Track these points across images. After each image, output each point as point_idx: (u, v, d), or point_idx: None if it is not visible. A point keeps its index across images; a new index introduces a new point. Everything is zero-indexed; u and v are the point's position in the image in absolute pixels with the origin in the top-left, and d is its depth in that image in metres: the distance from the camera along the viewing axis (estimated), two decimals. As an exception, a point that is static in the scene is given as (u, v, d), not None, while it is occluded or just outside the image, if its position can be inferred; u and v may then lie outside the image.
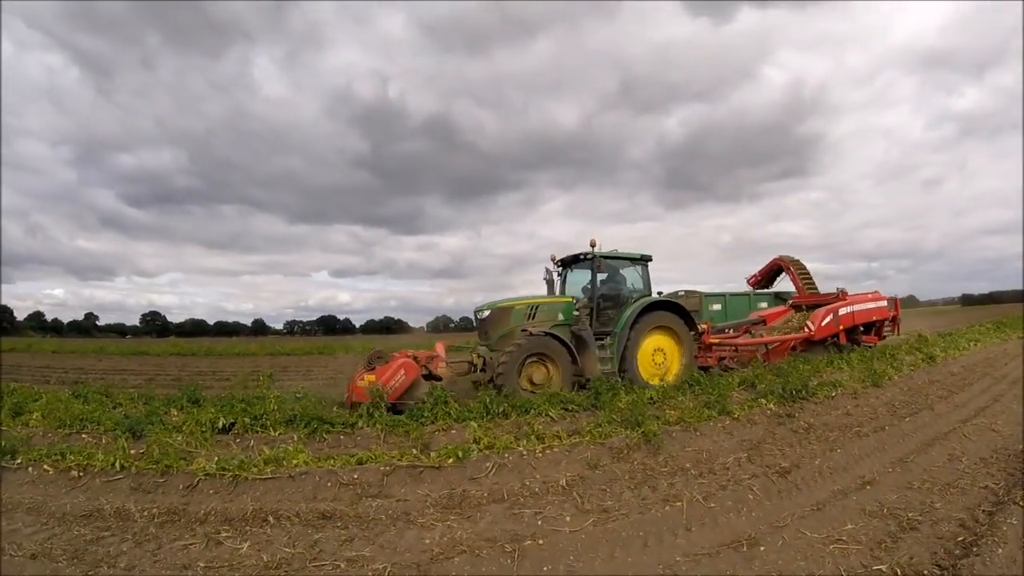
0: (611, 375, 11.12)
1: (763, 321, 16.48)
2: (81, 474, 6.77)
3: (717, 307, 22.85)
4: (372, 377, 9.54)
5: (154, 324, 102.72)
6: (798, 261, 22.42)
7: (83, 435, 7.90)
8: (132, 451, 7.10)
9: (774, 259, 23.35)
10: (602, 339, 11.78)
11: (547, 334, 11.14)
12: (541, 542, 5.24)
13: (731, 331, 16.17)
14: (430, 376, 10.66)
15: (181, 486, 6.44)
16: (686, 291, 25.18)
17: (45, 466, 6.93)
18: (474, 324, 12.58)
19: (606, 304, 12.30)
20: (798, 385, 9.53)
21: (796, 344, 14.65)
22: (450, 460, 6.75)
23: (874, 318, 16.58)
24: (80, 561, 5.20)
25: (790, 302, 18.13)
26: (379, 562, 4.99)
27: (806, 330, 14.67)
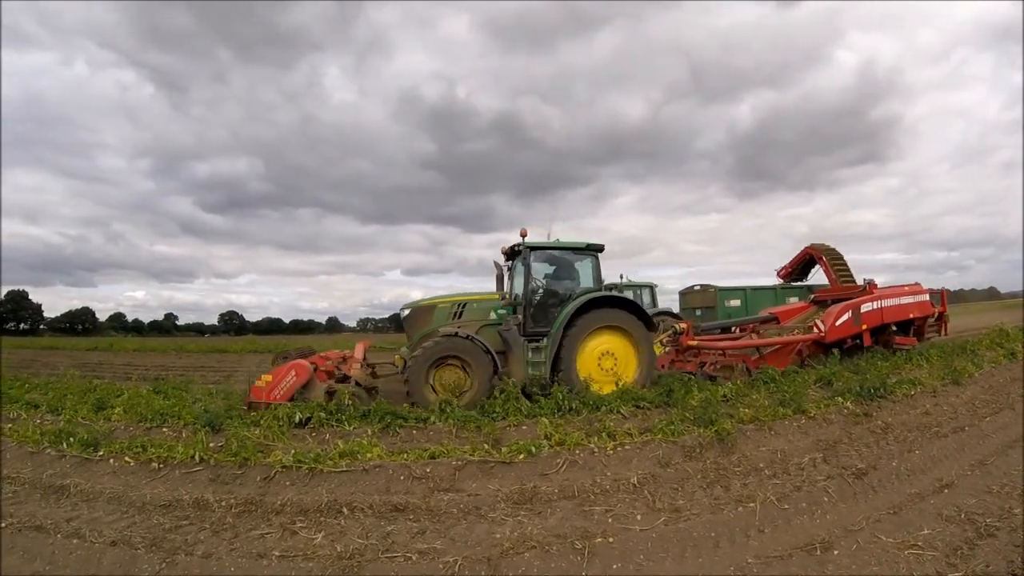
0: (541, 382, 10.13)
1: (775, 319, 14.00)
2: (161, 466, 6.99)
3: (735, 303, 22.06)
4: (268, 377, 9.53)
5: (232, 323, 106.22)
6: (833, 250, 20.93)
7: (164, 429, 8.14)
8: (211, 444, 7.30)
9: (805, 248, 21.67)
10: (539, 341, 10.62)
11: (460, 335, 10.42)
12: (611, 540, 5.21)
13: (736, 331, 14.17)
14: (344, 379, 10.39)
15: (258, 478, 6.59)
16: (701, 285, 24.22)
17: (127, 458, 7.19)
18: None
19: (550, 301, 11.09)
20: (876, 383, 9.19)
21: (803, 348, 12.51)
22: (521, 456, 6.75)
23: (911, 316, 13.73)
24: (159, 548, 5.37)
25: (812, 297, 15.58)
26: (450, 555, 5.03)
27: (816, 330, 12.36)
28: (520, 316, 10.89)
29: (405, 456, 6.86)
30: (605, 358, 10.60)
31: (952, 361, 11.80)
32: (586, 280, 11.42)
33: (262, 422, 7.94)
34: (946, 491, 6.38)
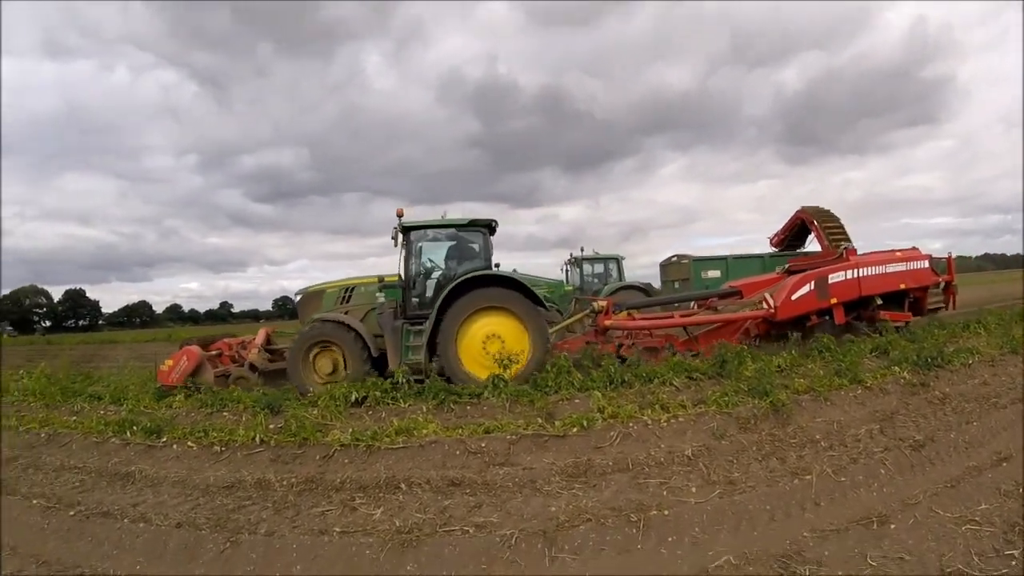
0: (417, 367, 9.66)
1: (739, 293, 12.05)
2: (223, 449, 7.16)
3: (715, 274, 20.28)
4: (170, 361, 10.10)
5: (285, 307, 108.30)
6: (827, 213, 19.72)
7: (224, 413, 8.32)
8: (271, 426, 7.44)
9: (796, 212, 20.49)
10: (422, 324, 10.09)
11: (332, 320, 10.35)
12: (666, 513, 5.23)
13: (694, 306, 12.96)
14: (244, 363, 10.82)
15: (318, 457, 6.72)
16: (677, 256, 22.77)
17: (189, 443, 7.37)
18: None
19: (433, 283, 10.65)
20: (933, 352, 8.92)
21: (751, 327, 11.12)
22: (575, 429, 6.73)
23: (903, 286, 11.53)
24: (223, 528, 5.57)
25: (786, 267, 12.99)
26: (506, 528, 5.13)
27: (765, 306, 10.77)
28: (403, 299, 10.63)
29: (460, 431, 6.91)
30: (491, 341, 9.90)
31: (1011, 329, 11.40)
32: (478, 259, 10.78)
33: (319, 402, 8.09)
34: (1004, 464, 6.26)
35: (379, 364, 10.13)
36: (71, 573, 5.23)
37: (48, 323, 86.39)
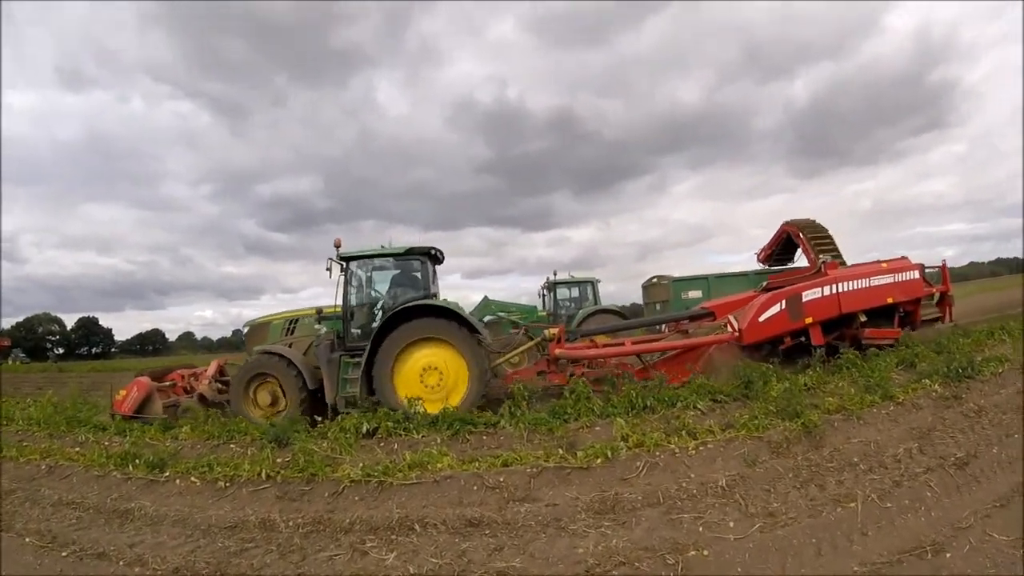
0: (353, 400, 9.60)
1: (711, 315, 10.97)
2: (228, 484, 6.87)
3: (696, 294, 19.30)
4: (124, 391, 10.66)
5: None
6: (815, 225, 18.69)
7: (231, 445, 8.05)
8: (278, 460, 7.17)
9: (782, 225, 19.45)
10: (360, 356, 9.90)
11: (268, 352, 10.33)
12: (706, 553, 4.88)
13: (664, 329, 12.37)
14: (194, 394, 11.03)
15: (326, 493, 6.43)
16: (657, 277, 21.79)
17: (192, 478, 7.09)
18: None
19: (370, 313, 10.61)
20: (963, 363, 8.51)
21: (713, 352, 10.08)
22: (598, 460, 6.38)
23: (890, 300, 10.55)
24: (223, 575, 5.29)
25: (764, 284, 12.04)
26: (530, 574, 4.80)
27: (729, 329, 10.02)
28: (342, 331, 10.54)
29: (477, 465, 6.59)
30: (428, 373, 9.73)
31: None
32: (418, 289, 10.66)
33: (329, 434, 7.81)
34: (1053, 479, 5.91)
35: (318, 396, 10.08)
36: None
37: (61, 350, 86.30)
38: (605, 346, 10.73)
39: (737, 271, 20.33)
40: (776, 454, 6.43)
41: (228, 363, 11.89)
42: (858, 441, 6.69)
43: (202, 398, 10.84)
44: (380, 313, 10.35)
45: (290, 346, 10.69)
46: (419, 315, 9.72)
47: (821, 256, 14.35)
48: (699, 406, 7.75)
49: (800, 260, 19.14)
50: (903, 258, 11.26)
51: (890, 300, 10.55)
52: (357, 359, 9.85)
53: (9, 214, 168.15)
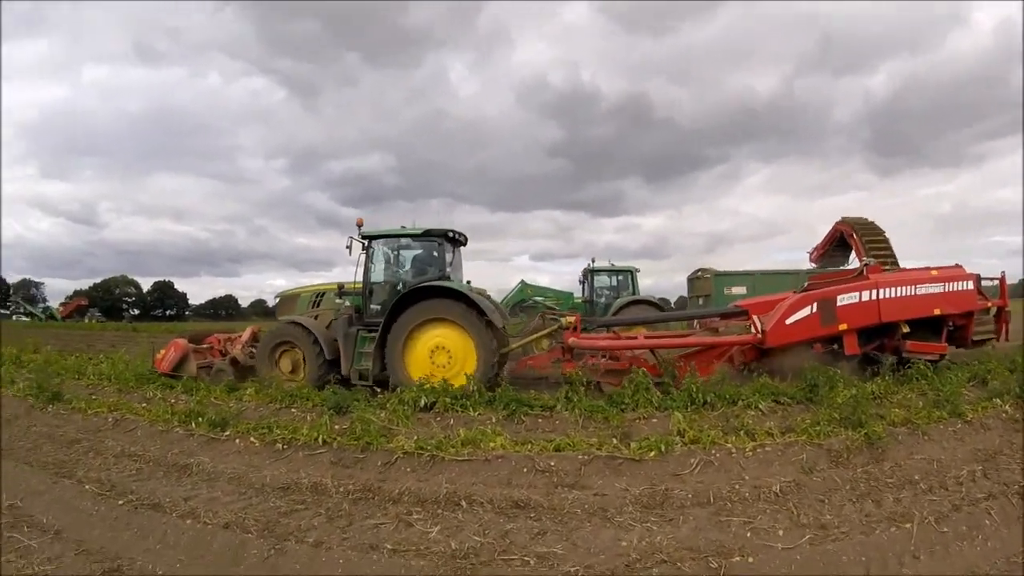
0: (365, 376, 10.15)
1: (745, 313, 10.06)
2: (285, 447, 7.08)
3: (739, 290, 18.37)
4: (164, 351, 11.29)
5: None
6: (870, 225, 18.07)
7: (292, 409, 8.31)
8: (336, 427, 7.34)
9: (836, 224, 18.83)
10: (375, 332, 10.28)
11: (292, 322, 11.00)
12: (750, 560, 4.72)
13: (696, 325, 11.83)
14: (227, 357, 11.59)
15: (379, 463, 6.55)
16: (701, 270, 21.08)
17: (252, 438, 7.33)
18: None
19: (387, 291, 10.84)
20: (1038, 382, 8.04)
21: (736, 354, 9.60)
22: (652, 453, 6.28)
23: (937, 311, 9.62)
24: (270, 534, 5.39)
25: (805, 284, 10.67)
26: (570, 562, 4.75)
27: (753, 330, 9.37)
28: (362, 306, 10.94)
29: (529, 447, 6.59)
30: (438, 353, 10.03)
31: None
32: (433, 270, 10.92)
33: (388, 405, 7.98)
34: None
35: (337, 366, 10.51)
36: (109, 565, 5.11)
37: (136, 311, 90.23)
38: (620, 338, 10.33)
39: (786, 268, 19.43)
40: (835, 463, 6.22)
41: (261, 330, 12.31)
42: (921, 458, 6.42)
43: (234, 361, 11.40)
44: (395, 291, 10.66)
45: (316, 318, 11.25)
46: (431, 296, 10.05)
47: (863, 259, 13.55)
48: (761, 406, 7.56)
49: (856, 262, 18.38)
50: (956, 266, 10.21)
51: (937, 312, 9.67)
52: (373, 334, 10.24)
53: (83, 182, 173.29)
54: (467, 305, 9.91)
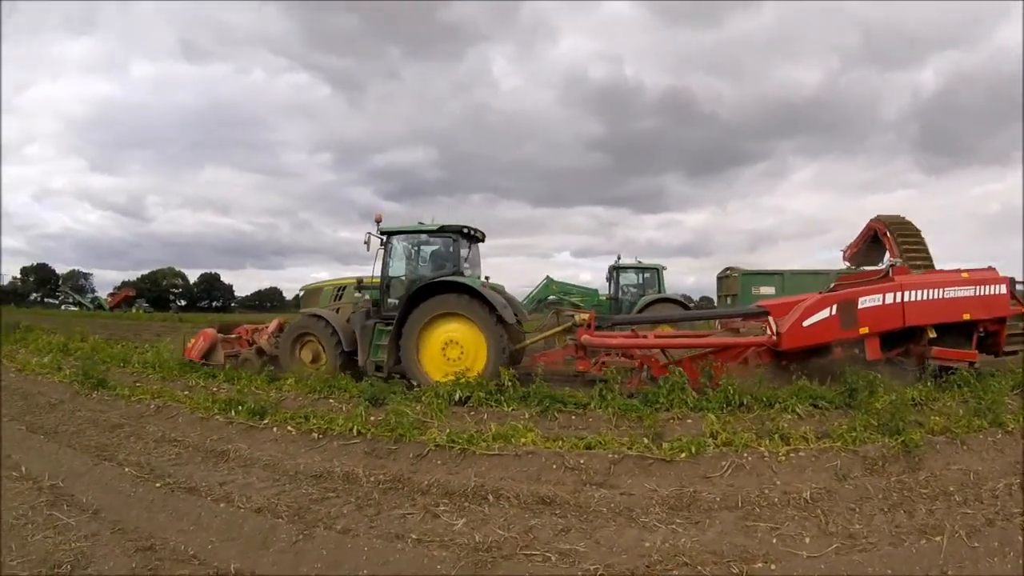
0: (380, 368, 10.52)
1: (765, 313, 9.67)
2: (320, 436, 7.26)
3: (768, 290, 17.79)
4: (193, 340, 11.88)
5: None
6: (904, 223, 17.43)
7: (330, 400, 8.55)
8: (371, 418, 7.52)
9: (870, 222, 18.23)
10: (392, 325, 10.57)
11: (312, 314, 11.45)
12: (773, 567, 4.63)
13: (717, 325, 11.65)
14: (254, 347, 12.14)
15: (411, 454, 6.66)
16: (730, 269, 20.69)
17: (289, 427, 7.52)
18: None
19: (403, 286, 11.12)
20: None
21: (749, 356, 9.33)
22: (683, 454, 6.24)
23: (967, 316, 9.17)
24: (300, 520, 5.50)
25: (832, 285, 10.34)
26: (592, 560, 4.73)
27: (768, 332, 9.16)
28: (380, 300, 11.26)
29: (560, 444, 6.65)
30: (450, 347, 10.31)
31: None
32: (448, 265, 11.15)
33: (423, 398, 8.13)
34: None
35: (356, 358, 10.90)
36: (143, 543, 5.25)
37: (183, 302, 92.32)
38: (634, 337, 10.23)
39: (816, 268, 18.80)
40: (869, 471, 6.09)
41: (286, 322, 12.59)
42: (958, 468, 6.21)
43: (260, 351, 11.97)
44: (412, 286, 10.89)
45: (337, 311, 11.65)
46: (443, 291, 10.29)
47: (892, 259, 13.02)
48: (797, 410, 7.48)
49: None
50: (989, 269, 9.76)
51: (967, 316, 9.22)
52: (390, 327, 10.56)
53: (131, 175, 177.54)
54: (479, 301, 10.13)
